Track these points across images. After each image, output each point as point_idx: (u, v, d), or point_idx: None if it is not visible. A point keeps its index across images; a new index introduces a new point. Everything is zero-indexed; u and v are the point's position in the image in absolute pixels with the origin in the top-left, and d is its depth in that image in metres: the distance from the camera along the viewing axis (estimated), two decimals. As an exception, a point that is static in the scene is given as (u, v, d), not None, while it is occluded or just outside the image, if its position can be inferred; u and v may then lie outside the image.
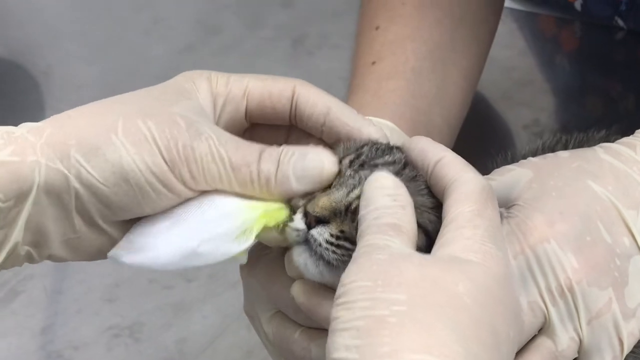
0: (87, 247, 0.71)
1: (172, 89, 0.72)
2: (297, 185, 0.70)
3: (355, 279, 0.60)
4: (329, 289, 0.70)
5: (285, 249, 0.72)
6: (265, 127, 0.76)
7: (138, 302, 1.09)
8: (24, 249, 0.69)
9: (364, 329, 0.58)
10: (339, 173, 0.71)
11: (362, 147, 0.72)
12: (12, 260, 0.69)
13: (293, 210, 0.70)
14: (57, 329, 1.08)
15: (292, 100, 0.74)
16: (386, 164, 0.70)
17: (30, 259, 0.70)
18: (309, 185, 0.70)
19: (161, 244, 0.69)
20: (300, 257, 0.69)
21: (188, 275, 1.11)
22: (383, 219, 0.65)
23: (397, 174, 0.69)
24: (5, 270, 1.09)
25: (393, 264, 0.61)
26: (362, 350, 0.57)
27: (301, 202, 0.70)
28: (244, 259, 0.71)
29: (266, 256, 0.75)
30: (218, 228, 0.69)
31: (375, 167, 0.70)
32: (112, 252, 0.70)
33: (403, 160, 0.71)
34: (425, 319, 0.58)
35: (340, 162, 0.71)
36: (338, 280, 0.68)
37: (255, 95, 0.74)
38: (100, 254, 0.71)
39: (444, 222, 0.66)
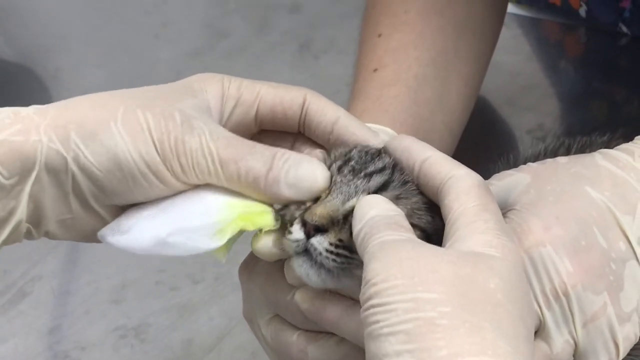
0: (81, 227, 0.72)
1: (180, 88, 0.73)
2: (286, 192, 0.70)
3: (387, 276, 0.60)
4: (333, 293, 0.71)
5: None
6: (272, 133, 0.77)
7: (144, 303, 1.10)
8: (25, 226, 0.70)
9: (414, 333, 0.58)
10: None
11: (351, 151, 0.73)
12: (14, 236, 0.70)
13: (279, 217, 0.71)
14: (64, 330, 1.09)
15: (302, 108, 0.75)
16: (377, 171, 0.71)
17: (29, 235, 0.71)
18: (298, 195, 0.70)
19: (139, 230, 0.70)
20: (301, 268, 0.70)
21: (194, 277, 1.12)
22: (384, 221, 0.66)
23: (389, 181, 0.71)
24: (13, 269, 1.10)
25: (424, 259, 0.61)
26: (418, 355, 0.57)
27: (297, 213, 0.70)
28: (222, 258, 0.71)
29: (264, 260, 0.75)
30: (192, 222, 0.70)
31: (369, 176, 0.71)
32: (101, 232, 0.71)
33: (392, 164, 0.72)
34: (473, 320, 0.58)
35: (329, 167, 0.72)
36: (340, 285, 0.70)
37: (268, 101, 0.75)
38: (93, 235, 0.72)
39: (450, 219, 0.66)
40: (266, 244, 0.71)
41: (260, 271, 0.75)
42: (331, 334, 0.73)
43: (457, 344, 0.57)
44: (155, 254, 0.70)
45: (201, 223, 0.70)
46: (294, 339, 0.74)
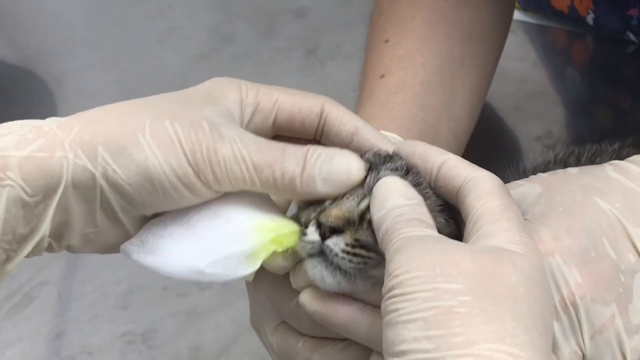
0: (104, 241, 0.72)
1: (201, 94, 0.73)
2: (322, 187, 0.70)
3: (409, 269, 0.61)
4: (342, 295, 0.70)
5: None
6: (288, 139, 0.76)
7: (152, 309, 1.11)
8: (47, 241, 0.69)
9: (432, 320, 0.58)
10: None
11: (364, 154, 0.73)
12: (35, 251, 0.69)
13: (305, 226, 0.70)
14: (71, 335, 1.09)
15: (320, 117, 0.75)
16: (391, 170, 0.71)
17: (50, 249, 0.71)
18: (333, 189, 0.70)
19: (171, 254, 0.70)
20: (315, 269, 0.69)
21: (201, 283, 1.11)
22: (405, 215, 0.66)
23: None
24: (20, 274, 1.10)
25: (447, 253, 0.62)
26: (436, 341, 0.58)
27: (312, 215, 0.70)
28: (250, 277, 0.71)
29: None
30: (226, 250, 0.69)
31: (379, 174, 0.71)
32: (124, 246, 0.71)
33: (405, 167, 0.72)
34: (493, 310, 0.59)
35: None
36: (354, 288, 0.69)
37: (286, 109, 0.75)
38: (115, 247, 0.72)
39: (472, 217, 0.66)
40: (276, 258, 0.71)
41: (266, 278, 0.75)
42: (336, 341, 0.73)
43: (474, 332, 0.58)
44: (187, 279, 0.70)
45: (235, 250, 0.69)
46: (299, 346, 0.74)
